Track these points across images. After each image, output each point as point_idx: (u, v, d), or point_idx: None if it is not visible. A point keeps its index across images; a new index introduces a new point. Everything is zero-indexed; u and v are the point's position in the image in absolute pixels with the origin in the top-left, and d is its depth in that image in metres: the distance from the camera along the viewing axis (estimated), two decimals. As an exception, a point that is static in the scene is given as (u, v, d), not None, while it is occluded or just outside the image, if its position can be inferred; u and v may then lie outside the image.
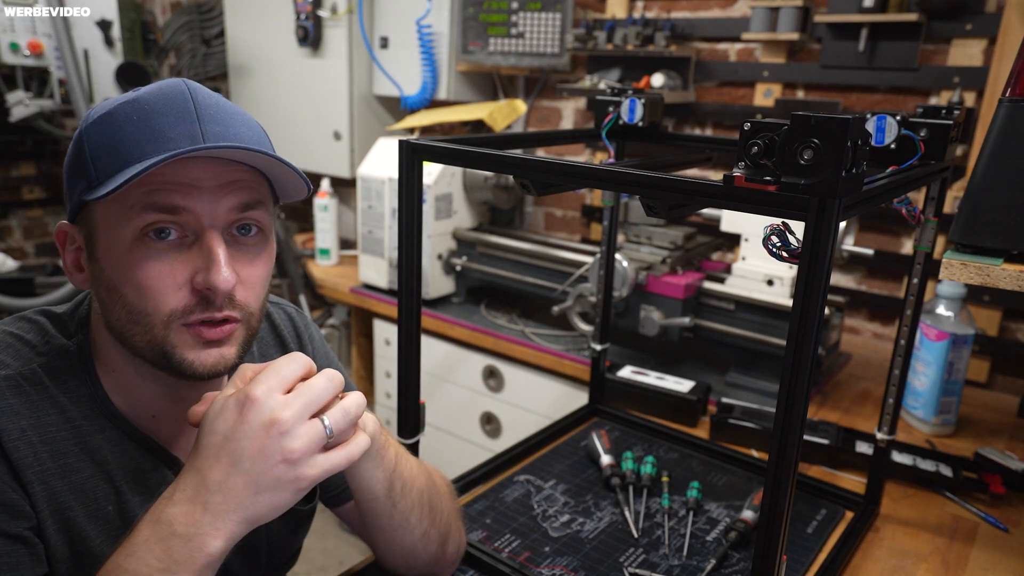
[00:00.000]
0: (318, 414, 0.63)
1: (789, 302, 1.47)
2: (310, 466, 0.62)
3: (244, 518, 0.61)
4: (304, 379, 0.65)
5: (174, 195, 0.66)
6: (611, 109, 1.17)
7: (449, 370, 2.03)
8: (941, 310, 1.38)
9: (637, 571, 0.96)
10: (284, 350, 0.92)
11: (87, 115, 0.69)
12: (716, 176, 0.69)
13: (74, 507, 0.69)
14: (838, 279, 1.94)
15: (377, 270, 2.14)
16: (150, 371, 0.73)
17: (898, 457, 1.23)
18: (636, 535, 1.04)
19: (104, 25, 2.65)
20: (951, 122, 0.87)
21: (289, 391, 0.63)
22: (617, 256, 1.57)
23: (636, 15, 2.05)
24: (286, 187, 0.75)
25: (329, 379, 0.65)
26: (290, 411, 0.61)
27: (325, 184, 2.45)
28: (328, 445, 0.64)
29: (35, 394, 0.68)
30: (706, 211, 1.61)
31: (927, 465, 1.22)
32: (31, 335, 0.73)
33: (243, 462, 0.60)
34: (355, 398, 0.67)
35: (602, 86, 2.03)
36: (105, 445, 0.72)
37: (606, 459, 1.19)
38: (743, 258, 1.57)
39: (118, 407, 0.73)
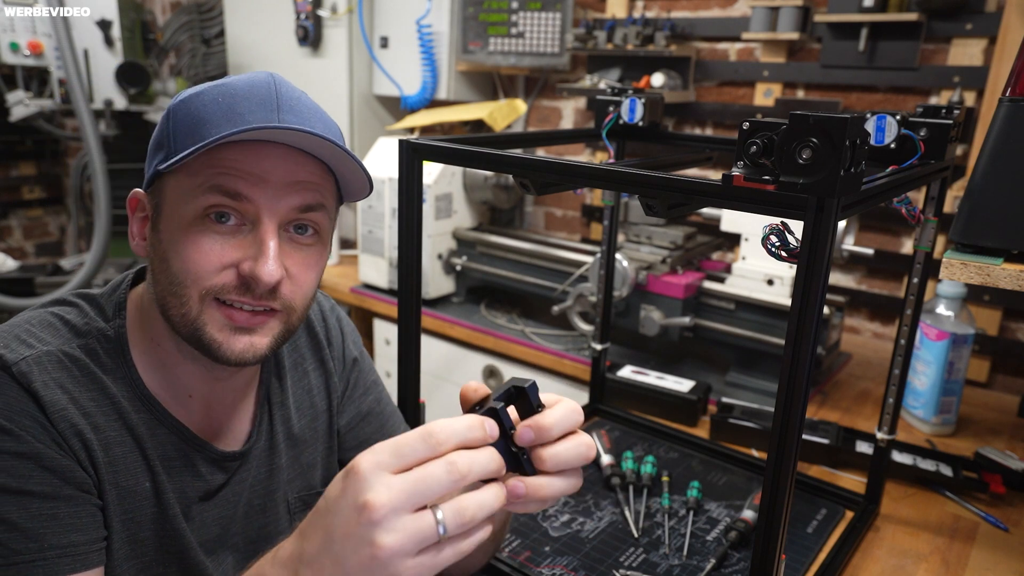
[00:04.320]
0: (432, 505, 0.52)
1: (789, 302, 1.47)
2: (406, 567, 0.51)
3: None
4: (434, 457, 0.53)
5: (240, 182, 0.68)
6: (611, 109, 1.17)
7: (449, 370, 2.03)
8: (941, 310, 1.38)
9: (628, 572, 0.96)
10: (311, 334, 0.93)
11: (178, 94, 0.72)
12: (716, 176, 0.69)
13: (116, 480, 0.70)
14: (838, 279, 1.94)
15: (377, 270, 2.14)
16: (189, 349, 0.74)
17: (898, 457, 1.23)
18: (636, 535, 1.04)
19: (104, 25, 2.65)
20: (951, 122, 0.87)
21: (404, 471, 0.52)
22: (617, 256, 1.57)
23: (636, 15, 2.05)
24: (351, 185, 0.76)
25: (448, 469, 0.52)
26: (386, 496, 0.50)
27: (325, 184, 2.45)
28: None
29: (76, 370, 0.70)
30: (706, 211, 1.61)
31: (927, 465, 1.22)
32: (72, 316, 0.74)
33: (334, 543, 0.52)
34: (487, 496, 0.54)
35: (602, 86, 2.03)
36: (140, 425, 0.73)
37: (606, 459, 1.19)
38: (743, 258, 1.57)
39: (152, 391, 0.75)
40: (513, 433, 0.59)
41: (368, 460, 0.52)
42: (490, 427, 0.56)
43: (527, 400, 0.61)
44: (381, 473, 0.51)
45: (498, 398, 0.60)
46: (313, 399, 0.92)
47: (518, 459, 0.60)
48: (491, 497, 0.54)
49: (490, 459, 0.55)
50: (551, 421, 0.60)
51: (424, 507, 0.52)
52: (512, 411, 0.61)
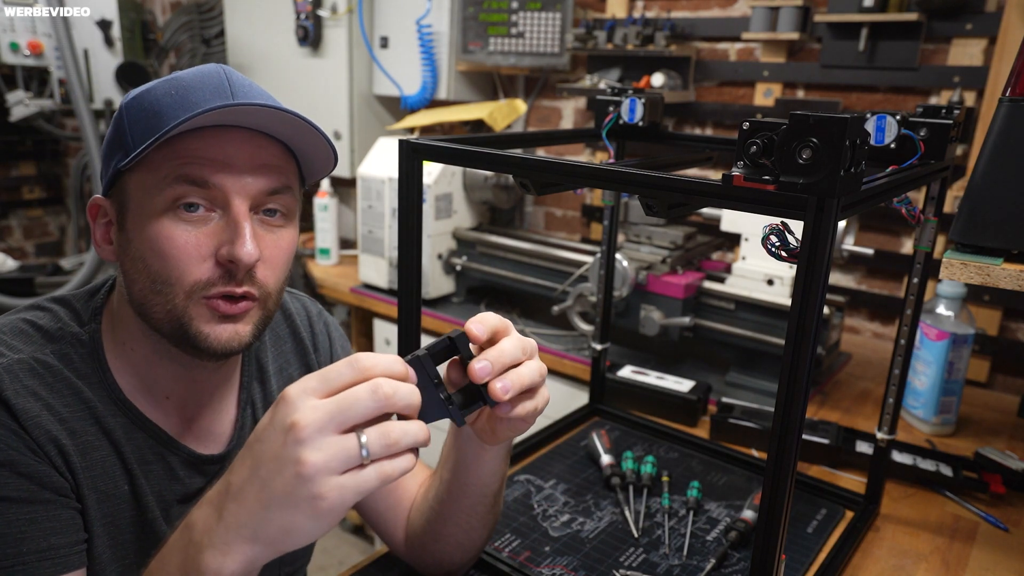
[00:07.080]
0: (356, 428, 0.54)
1: (789, 302, 1.47)
2: (330, 487, 0.52)
3: (253, 536, 0.55)
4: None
5: (205, 169, 0.67)
6: (611, 109, 1.17)
7: (449, 370, 2.03)
8: (941, 310, 1.38)
9: (628, 572, 0.96)
10: (296, 339, 0.93)
11: (128, 93, 0.72)
12: (716, 176, 0.69)
13: (95, 484, 0.70)
14: (838, 279, 1.94)
15: (377, 270, 2.15)
16: (167, 349, 0.74)
17: (898, 457, 1.23)
18: (636, 535, 1.04)
19: (104, 25, 2.65)
20: (951, 122, 0.87)
21: (331, 395, 0.54)
22: (617, 256, 1.57)
23: (636, 15, 2.05)
24: (313, 163, 0.76)
25: (372, 390, 0.53)
26: (312, 416, 0.52)
27: (325, 184, 2.45)
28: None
29: (49, 376, 0.70)
30: (706, 211, 1.61)
31: (927, 465, 1.22)
32: (45, 321, 0.74)
33: (260, 467, 0.54)
34: (412, 426, 0.55)
35: (602, 86, 2.03)
36: (117, 429, 0.73)
37: (606, 459, 1.19)
38: (743, 258, 1.57)
39: (128, 395, 0.74)
40: (439, 381, 0.61)
41: (296, 387, 0.54)
42: (410, 373, 0.58)
43: (455, 350, 0.63)
44: (308, 396, 0.53)
45: (431, 353, 0.62)
46: None
47: (445, 407, 0.62)
48: (416, 428, 0.56)
49: (412, 392, 0.56)
50: (495, 354, 0.62)
51: (350, 430, 0.53)
52: (443, 368, 0.64)
